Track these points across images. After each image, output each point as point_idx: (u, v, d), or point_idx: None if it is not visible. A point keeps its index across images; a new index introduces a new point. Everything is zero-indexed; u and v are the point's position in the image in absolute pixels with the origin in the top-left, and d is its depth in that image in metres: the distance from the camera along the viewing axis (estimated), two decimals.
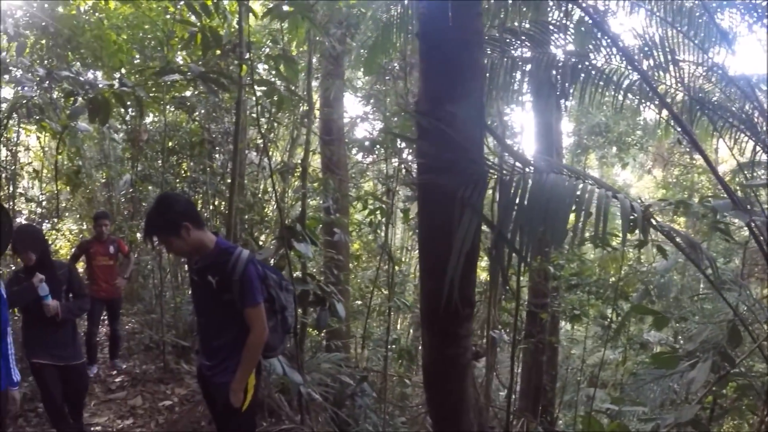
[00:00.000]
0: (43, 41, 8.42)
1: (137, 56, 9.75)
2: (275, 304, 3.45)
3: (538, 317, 8.75)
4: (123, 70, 9.30)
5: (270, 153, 9.38)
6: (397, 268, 7.98)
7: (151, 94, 6.60)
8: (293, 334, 4.81)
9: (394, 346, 7.87)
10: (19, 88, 8.32)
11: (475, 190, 3.08)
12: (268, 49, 8.26)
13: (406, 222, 7.61)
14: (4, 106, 9.27)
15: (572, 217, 2.99)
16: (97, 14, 9.79)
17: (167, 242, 3.30)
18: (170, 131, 8.50)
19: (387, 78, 8.94)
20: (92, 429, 5.80)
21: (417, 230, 4.04)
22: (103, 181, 13.28)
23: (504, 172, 3.27)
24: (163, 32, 8.22)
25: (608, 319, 8.88)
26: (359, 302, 9.99)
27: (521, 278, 6.57)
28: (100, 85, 4.47)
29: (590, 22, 5.19)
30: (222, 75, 4.64)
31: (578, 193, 2.98)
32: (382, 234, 6.77)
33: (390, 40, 5.95)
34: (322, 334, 8.04)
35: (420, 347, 10.72)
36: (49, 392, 4.56)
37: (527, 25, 5.48)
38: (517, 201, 3.07)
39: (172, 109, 8.98)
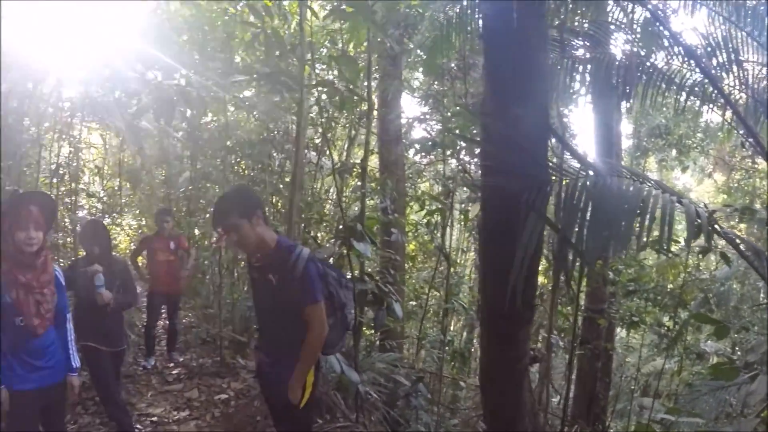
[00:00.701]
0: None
1: (197, 57, 9.94)
2: (335, 301, 3.47)
3: (595, 323, 8.59)
4: (184, 71, 9.51)
5: (328, 152, 9.45)
6: (452, 269, 7.94)
7: (212, 94, 6.74)
8: (352, 332, 4.83)
9: (447, 348, 7.84)
10: (83, 88, 8.59)
11: (540, 193, 3.06)
12: (325, 50, 8.33)
13: (465, 223, 7.55)
14: (67, 104, 9.58)
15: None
16: (158, 15, 10.02)
17: (236, 227, 3.28)
18: (230, 130, 8.65)
19: (445, 78, 8.91)
20: (149, 419, 5.92)
21: (478, 232, 4.02)
22: (162, 178, 13.62)
23: (568, 175, 3.23)
24: (225, 33, 8.35)
25: (665, 327, 8.68)
26: (413, 303, 9.99)
27: (579, 283, 6.47)
28: (166, 85, 4.58)
29: (656, 22, 5.09)
30: (286, 75, 4.69)
31: (643, 197, 2.92)
32: (439, 235, 6.74)
33: (449, 41, 5.93)
34: (376, 334, 8.05)
35: (472, 350, 10.69)
36: (99, 373, 4.78)
37: (586, 25, 5.41)
38: (581, 205, 3.03)
39: (232, 109, 9.11)
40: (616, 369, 11.10)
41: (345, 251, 4.91)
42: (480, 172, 6.83)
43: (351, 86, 4.93)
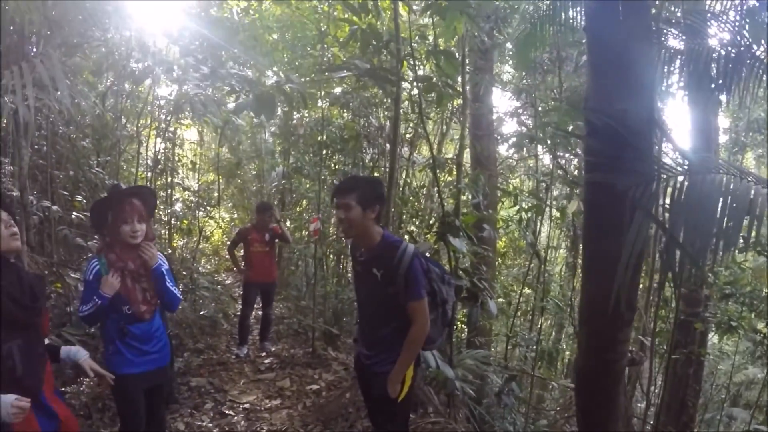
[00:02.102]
0: (197, 43, 8.91)
1: (286, 55, 10.18)
2: (437, 297, 3.46)
3: (689, 327, 8.26)
4: (275, 68, 9.74)
5: (418, 148, 9.44)
6: (543, 267, 7.81)
7: (306, 90, 6.86)
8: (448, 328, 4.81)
9: (535, 347, 7.71)
10: (177, 86, 8.90)
11: (646, 190, 2.98)
12: (415, 45, 8.35)
13: (562, 220, 7.38)
14: (163, 102, 9.97)
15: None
16: (250, 15, 10.30)
17: (349, 207, 3.28)
18: (323, 126, 8.78)
19: (537, 72, 8.75)
20: (241, 407, 6.06)
21: (582, 229, 3.94)
22: (254, 172, 13.99)
23: (675, 171, 3.13)
24: (317, 30, 8.48)
25: (761, 334, 8.27)
26: (501, 300, 9.90)
27: (680, 285, 6.22)
28: (267, 82, 4.69)
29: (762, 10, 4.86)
30: (386, 71, 4.72)
31: (751, 195, 2.80)
32: (531, 232, 6.63)
33: (541, 34, 5.83)
34: (465, 331, 8.00)
35: (559, 350, 10.47)
36: None
37: (679, 13, 5.23)
38: (689, 203, 2.93)
39: (324, 105, 9.24)
40: (707, 376, 10.64)
41: (437, 247, 4.89)
42: (583, 167, 6.70)
43: (448, 81, 4.90)
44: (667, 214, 3.04)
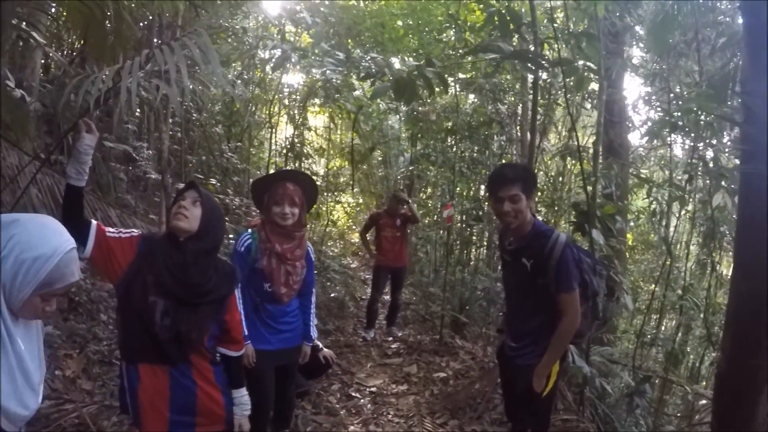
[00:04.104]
0: (324, 30, 9.05)
1: (415, 40, 10.18)
2: (588, 289, 3.33)
3: None
4: (400, 55, 9.77)
5: (548, 134, 9.20)
6: (673, 264, 7.40)
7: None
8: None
9: (668, 348, 7.31)
10: (305, 73, 9.11)
11: None
12: (544, 28, 8.12)
13: (703, 214, 6.92)
14: (291, 89, 10.23)
15: None
16: (377, 2, 10.40)
17: (520, 199, 3.21)
18: (452, 112, 8.72)
19: (672, 55, 8.25)
20: (368, 389, 6.14)
21: (735, 225, 3.69)
22: (380, 158, 14.14)
23: None
24: (446, 15, 8.42)
25: None
26: (627, 295, 9.54)
27: None
28: (402, 68, 4.66)
29: None
30: (532, 53, 4.58)
31: None
32: (663, 225, 6.29)
33: (678, 15, 5.49)
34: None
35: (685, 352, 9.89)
36: None
37: None
38: None
39: (456, 91, 9.20)
40: None
41: (576, 238, 4.72)
42: (720, 158, 6.27)
43: (589, 64, 4.71)
44: None
